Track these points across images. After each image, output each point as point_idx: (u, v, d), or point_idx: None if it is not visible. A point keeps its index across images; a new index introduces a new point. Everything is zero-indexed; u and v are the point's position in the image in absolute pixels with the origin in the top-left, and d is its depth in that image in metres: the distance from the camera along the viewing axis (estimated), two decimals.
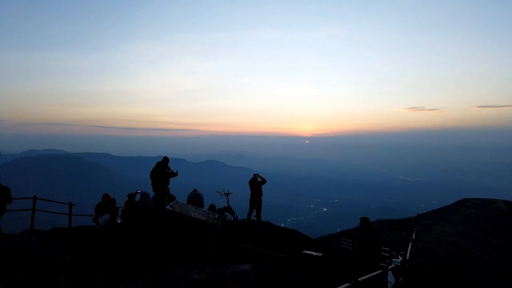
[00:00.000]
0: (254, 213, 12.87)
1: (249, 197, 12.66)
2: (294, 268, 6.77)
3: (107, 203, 11.15)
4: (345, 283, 4.43)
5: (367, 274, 5.00)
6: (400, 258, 6.93)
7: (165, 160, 11.51)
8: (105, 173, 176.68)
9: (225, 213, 12.02)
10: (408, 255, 7.94)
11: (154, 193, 11.34)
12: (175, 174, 11.46)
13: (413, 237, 11.29)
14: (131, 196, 11.03)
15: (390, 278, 5.98)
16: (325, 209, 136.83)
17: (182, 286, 2.48)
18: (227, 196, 13.85)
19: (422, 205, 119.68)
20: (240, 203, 18.93)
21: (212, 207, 11.85)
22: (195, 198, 11.78)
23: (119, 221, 11.18)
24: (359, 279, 4.66)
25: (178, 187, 15.47)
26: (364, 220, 9.44)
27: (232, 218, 12.49)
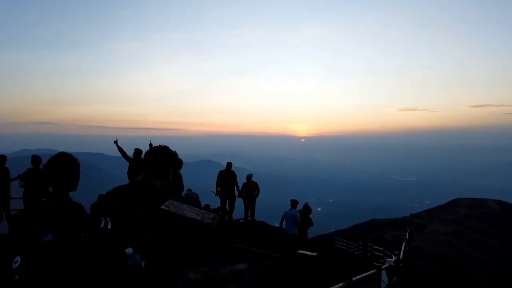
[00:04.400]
0: (249, 213, 13.01)
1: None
2: (296, 267, 6.82)
3: None
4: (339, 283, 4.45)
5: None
6: (394, 258, 6.97)
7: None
8: (99, 174, 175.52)
9: (220, 213, 12.04)
10: (401, 254, 8.00)
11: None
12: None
13: (407, 236, 11.37)
14: None
15: (384, 277, 6.01)
16: (319, 209, 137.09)
17: (178, 286, 2.49)
18: None
19: (416, 205, 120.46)
20: (235, 203, 18.86)
21: (206, 207, 11.84)
22: (190, 198, 11.75)
23: None
24: (353, 278, 4.68)
25: None
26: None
27: (227, 218, 12.53)
